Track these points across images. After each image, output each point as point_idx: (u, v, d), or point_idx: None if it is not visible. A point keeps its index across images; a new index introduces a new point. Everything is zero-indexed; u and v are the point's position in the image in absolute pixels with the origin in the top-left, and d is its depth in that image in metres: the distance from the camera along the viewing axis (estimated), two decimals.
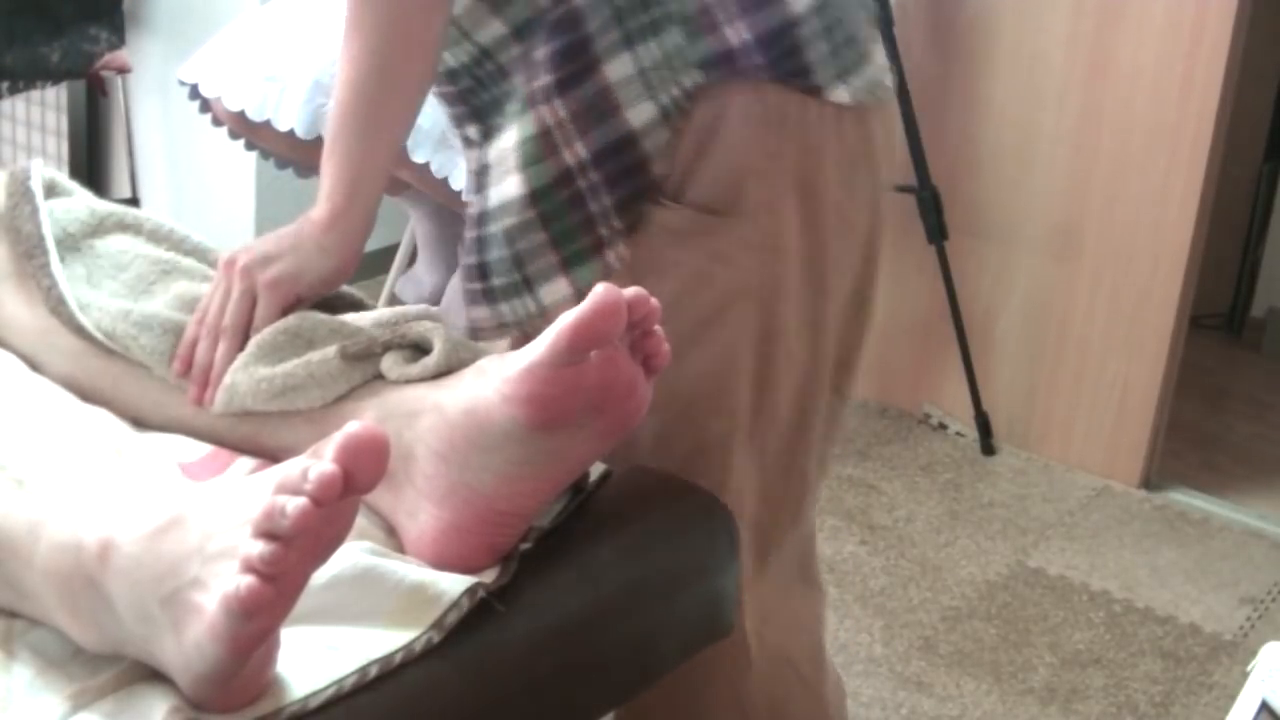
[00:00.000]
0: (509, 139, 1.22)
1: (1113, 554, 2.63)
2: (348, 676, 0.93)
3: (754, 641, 1.33)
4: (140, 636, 0.90)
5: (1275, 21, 3.20)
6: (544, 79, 1.19)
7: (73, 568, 0.91)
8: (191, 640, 0.86)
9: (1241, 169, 3.38)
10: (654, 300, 1.05)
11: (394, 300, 2.88)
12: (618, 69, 1.18)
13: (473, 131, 1.27)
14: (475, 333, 1.28)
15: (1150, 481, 2.88)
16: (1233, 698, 1.39)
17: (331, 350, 1.14)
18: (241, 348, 1.17)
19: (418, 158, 2.31)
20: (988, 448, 2.97)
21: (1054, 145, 2.84)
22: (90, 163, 3.29)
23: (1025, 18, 2.83)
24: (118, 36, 3.04)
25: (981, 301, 2.97)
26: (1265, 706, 1.23)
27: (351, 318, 1.21)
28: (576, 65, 1.18)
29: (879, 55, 1.29)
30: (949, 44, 2.93)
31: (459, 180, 2.35)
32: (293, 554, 0.84)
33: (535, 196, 1.21)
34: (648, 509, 1.18)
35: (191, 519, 0.89)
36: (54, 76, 3.01)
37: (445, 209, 2.68)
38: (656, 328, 1.06)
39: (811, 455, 1.36)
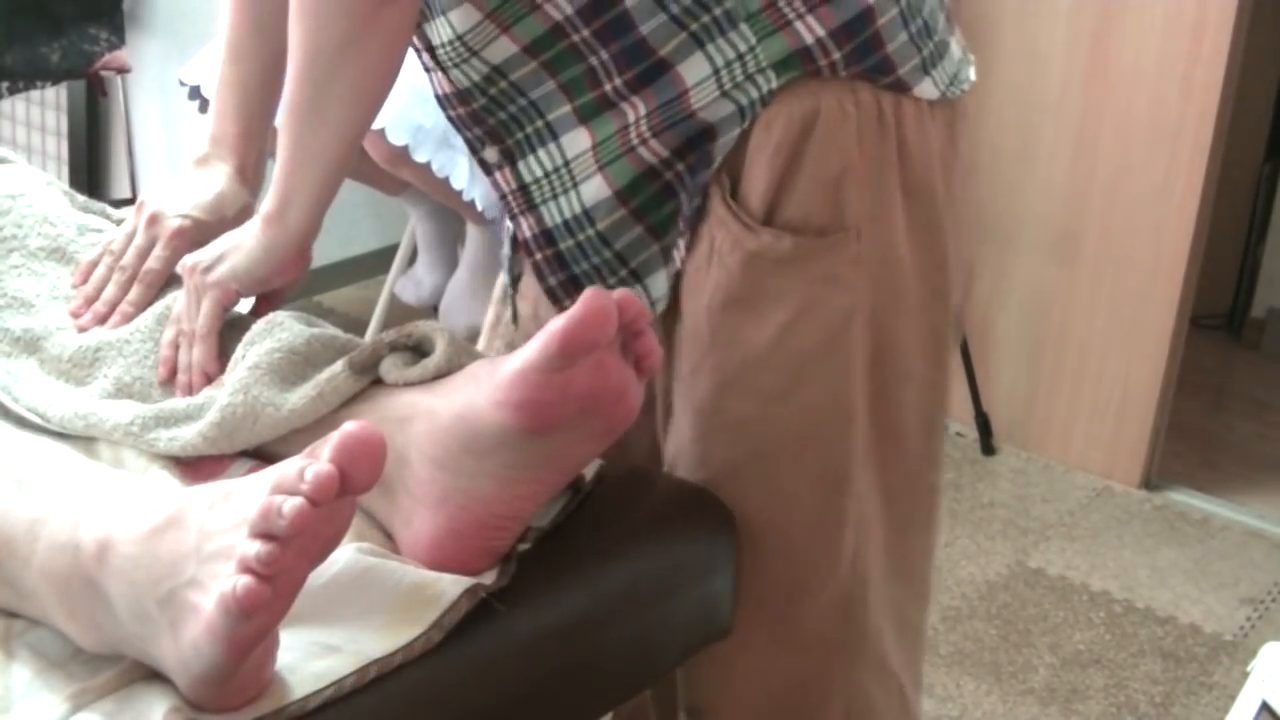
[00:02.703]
0: (575, 144, 1.17)
1: (1113, 554, 2.63)
2: (347, 676, 0.93)
3: (881, 658, 1.28)
4: (138, 636, 0.90)
5: (1275, 21, 3.20)
6: (615, 81, 1.13)
7: (70, 568, 0.91)
8: (189, 640, 0.86)
9: (1241, 169, 3.38)
10: (642, 302, 1.04)
11: (394, 300, 2.88)
12: (691, 70, 1.12)
13: (492, 155, 1.22)
14: None
15: (1150, 481, 2.88)
16: (1233, 698, 1.39)
17: (339, 366, 1.13)
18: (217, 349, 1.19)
19: (419, 157, 2.31)
20: (988, 448, 2.97)
21: (1054, 145, 2.83)
22: (90, 163, 3.29)
23: (1025, 18, 2.83)
24: (118, 36, 3.04)
25: (982, 302, 2.97)
26: (1265, 707, 1.23)
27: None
28: (646, 64, 1.13)
29: (957, 43, 1.21)
30: None
31: (459, 180, 2.35)
32: (289, 554, 0.84)
33: (624, 195, 1.17)
34: (648, 509, 1.18)
35: (188, 519, 0.89)
36: (54, 76, 3.01)
37: (445, 209, 2.69)
38: (647, 328, 1.05)
39: (939, 470, 1.29)
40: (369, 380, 1.13)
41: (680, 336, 1.20)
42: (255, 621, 0.85)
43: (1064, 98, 2.80)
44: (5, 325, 1.24)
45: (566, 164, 1.18)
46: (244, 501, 0.86)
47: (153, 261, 1.27)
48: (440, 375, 1.10)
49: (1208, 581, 2.57)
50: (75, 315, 1.26)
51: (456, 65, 1.18)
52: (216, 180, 1.31)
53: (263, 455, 1.14)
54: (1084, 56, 2.77)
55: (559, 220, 1.20)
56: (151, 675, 0.92)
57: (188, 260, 1.23)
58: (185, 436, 1.14)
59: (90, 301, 1.26)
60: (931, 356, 1.22)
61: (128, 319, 1.25)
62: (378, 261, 3.35)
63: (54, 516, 0.94)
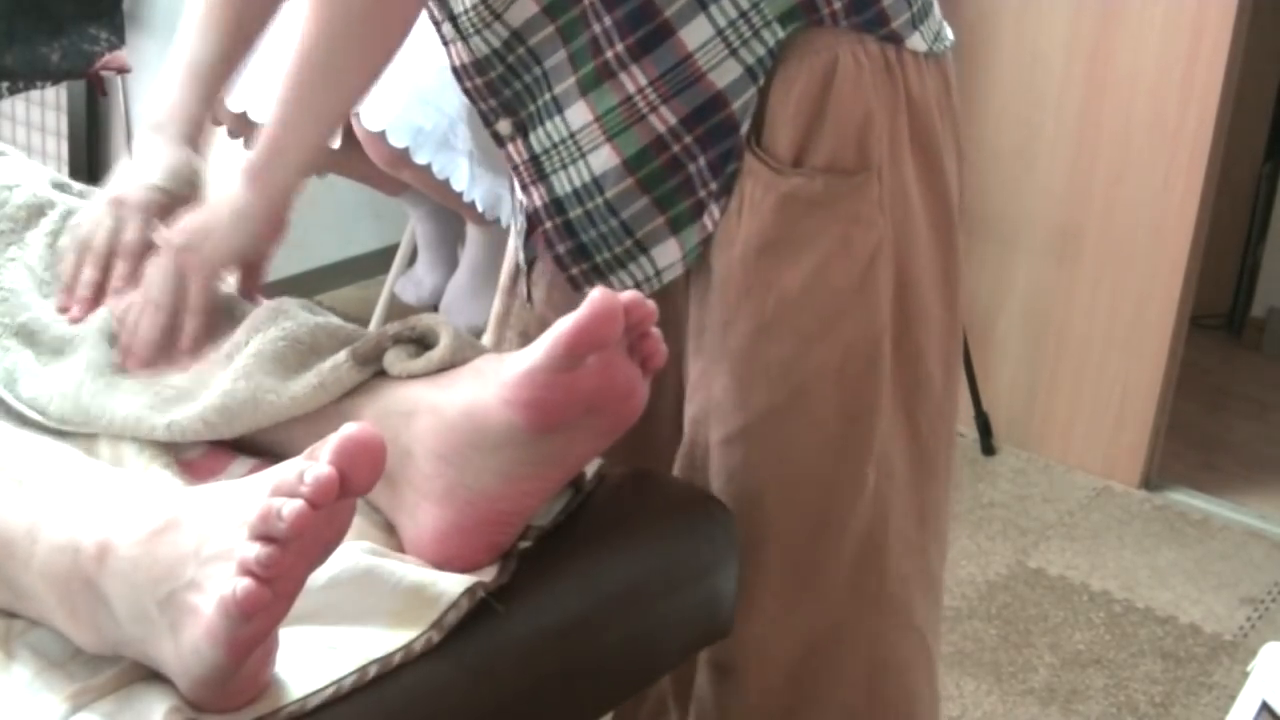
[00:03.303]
0: (578, 117, 1.19)
1: (1113, 554, 2.63)
2: (347, 677, 0.93)
3: (904, 607, 1.30)
4: (138, 638, 0.90)
5: (1275, 21, 3.20)
6: (617, 47, 1.16)
7: (70, 569, 0.91)
8: (189, 642, 0.86)
9: (1241, 169, 3.38)
10: (650, 303, 1.04)
11: (394, 300, 2.88)
12: (695, 34, 1.15)
13: (505, 126, 1.25)
14: None
15: (1150, 482, 2.88)
16: (1233, 698, 1.39)
17: (342, 355, 1.13)
18: (170, 325, 1.19)
19: (420, 159, 2.31)
20: (988, 448, 2.97)
21: (1054, 145, 2.83)
22: (90, 163, 3.29)
23: (1025, 18, 2.82)
24: (118, 36, 3.04)
25: (981, 302, 2.97)
26: (1265, 707, 1.23)
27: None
28: (648, 29, 1.15)
29: (936, 6, 1.26)
30: None
31: (460, 182, 2.35)
32: (289, 556, 0.84)
33: (630, 164, 1.19)
34: (648, 509, 1.18)
35: (188, 521, 0.89)
36: (54, 76, 3.01)
37: (445, 209, 2.69)
38: (654, 329, 1.06)
39: (955, 417, 1.33)
40: (372, 372, 1.13)
41: (704, 291, 1.23)
42: (255, 623, 0.85)
43: (1064, 98, 2.80)
44: (2, 320, 1.24)
45: (573, 135, 1.20)
46: (244, 504, 0.86)
47: (129, 233, 1.27)
48: (445, 368, 1.10)
49: (1208, 581, 2.56)
50: (62, 310, 1.25)
51: (478, 31, 1.20)
52: (171, 148, 1.32)
53: (263, 453, 1.14)
54: (1084, 56, 2.77)
55: (569, 189, 1.23)
56: (151, 675, 0.92)
57: (170, 239, 1.22)
58: (185, 421, 1.13)
59: (71, 292, 1.26)
60: (945, 299, 1.26)
61: (121, 297, 1.24)
62: (378, 261, 3.35)
63: (54, 518, 0.94)
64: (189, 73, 1.33)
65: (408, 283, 2.84)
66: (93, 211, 1.29)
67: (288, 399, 1.12)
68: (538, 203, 1.26)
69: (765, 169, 1.18)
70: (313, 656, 0.95)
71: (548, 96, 1.20)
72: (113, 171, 1.33)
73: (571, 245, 1.26)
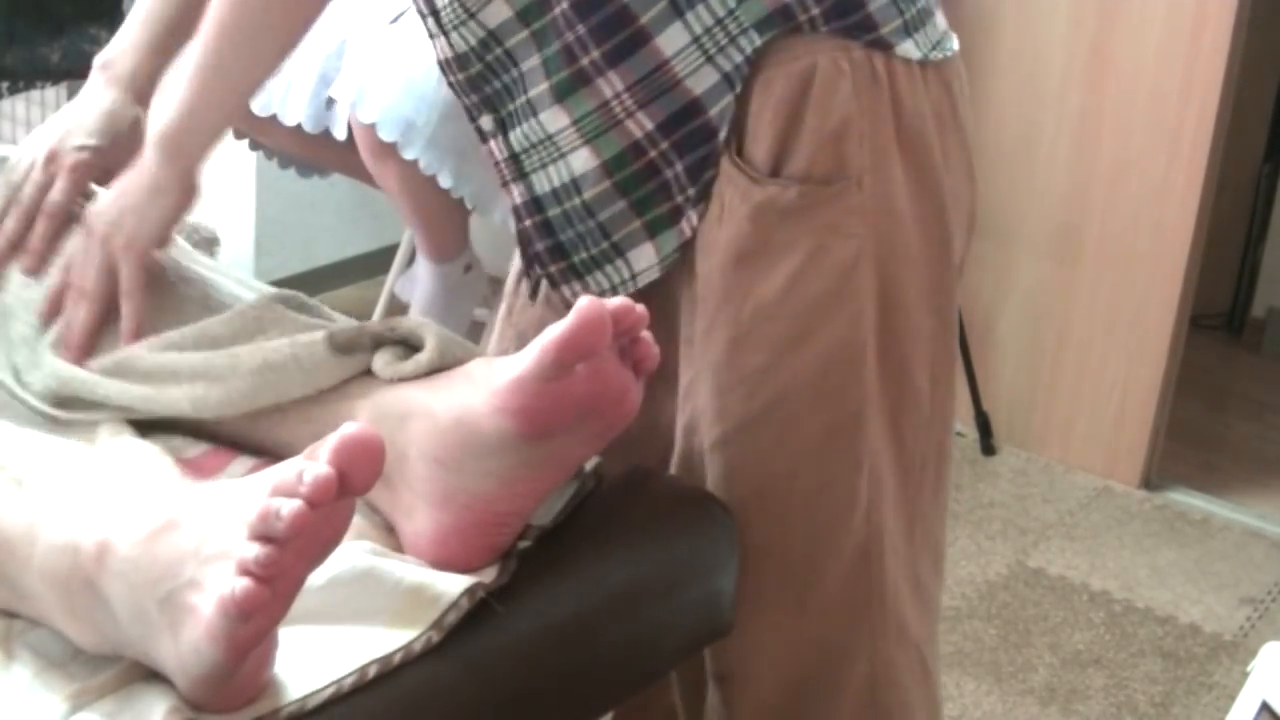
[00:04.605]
0: (553, 121, 1.19)
1: (1113, 554, 2.63)
2: (346, 677, 0.93)
3: (900, 621, 1.29)
4: (138, 637, 0.90)
5: (1275, 21, 3.20)
6: (592, 54, 1.16)
7: (70, 569, 0.91)
8: (188, 642, 0.86)
9: (1241, 169, 3.38)
10: (640, 308, 1.04)
11: (394, 300, 2.88)
12: (671, 41, 1.15)
13: (487, 122, 1.25)
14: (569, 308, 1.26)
15: (1150, 481, 2.88)
16: (1233, 698, 1.39)
17: (319, 335, 1.13)
18: (103, 314, 1.21)
19: (408, 154, 2.31)
20: (988, 448, 2.97)
21: (1054, 145, 2.84)
22: None
23: (1025, 18, 2.83)
24: None
25: (982, 301, 2.97)
26: (1265, 707, 1.23)
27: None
28: (623, 36, 1.15)
29: (941, 17, 1.24)
30: None
31: (447, 179, 2.35)
32: (288, 556, 0.84)
33: (609, 167, 1.19)
34: (648, 509, 1.18)
35: (187, 521, 0.89)
36: (54, 76, 3.01)
37: (445, 209, 2.68)
38: (645, 333, 1.05)
39: (949, 430, 1.31)
40: (357, 369, 1.13)
41: (693, 298, 1.22)
42: (254, 623, 0.85)
43: (1064, 98, 2.80)
44: None
45: (550, 138, 1.20)
46: (243, 503, 0.86)
47: (55, 194, 1.28)
48: (434, 370, 1.10)
49: (1208, 581, 2.56)
50: None
51: (456, 28, 1.20)
52: (108, 95, 1.33)
53: (263, 454, 1.14)
54: (1084, 56, 2.77)
55: (548, 188, 1.23)
56: (151, 675, 0.92)
57: (92, 224, 1.24)
58: (168, 399, 1.15)
59: None
60: (936, 310, 1.24)
61: (38, 255, 1.27)
62: (378, 261, 3.35)
63: (53, 518, 0.94)
64: (144, 20, 1.35)
65: (408, 283, 2.84)
66: (26, 159, 1.30)
67: (260, 360, 1.13)
68: (517, 200, 1.26)
69: (743, 178, 1.17)
70: (313, 656, 0.94)
71: (524, 98, 1.20)
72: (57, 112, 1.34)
73: (549, 244, 1.25)
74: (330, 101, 2.38)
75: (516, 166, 1.24)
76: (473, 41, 1.20)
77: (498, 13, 1.18)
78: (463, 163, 2.32)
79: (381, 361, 1.12)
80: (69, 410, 1.18)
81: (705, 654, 1.28)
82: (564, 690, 1.04)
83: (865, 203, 1.18)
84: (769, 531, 1.22)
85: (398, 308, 2.85)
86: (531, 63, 1.19)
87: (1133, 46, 2.70)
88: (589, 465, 1.15)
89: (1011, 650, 2.32)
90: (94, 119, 1.32)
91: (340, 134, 2.39)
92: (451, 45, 1.22)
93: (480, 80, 1.23)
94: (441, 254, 2.52)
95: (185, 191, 1.25)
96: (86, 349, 1.21)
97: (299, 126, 2.40)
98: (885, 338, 1.21)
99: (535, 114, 1.20)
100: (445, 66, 1.25)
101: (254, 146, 2.70)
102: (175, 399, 1.15)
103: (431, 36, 1.25)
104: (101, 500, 0.94)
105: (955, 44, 1.25)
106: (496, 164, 1.27)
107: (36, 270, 1.26)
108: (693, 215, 1.19)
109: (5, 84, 2.96)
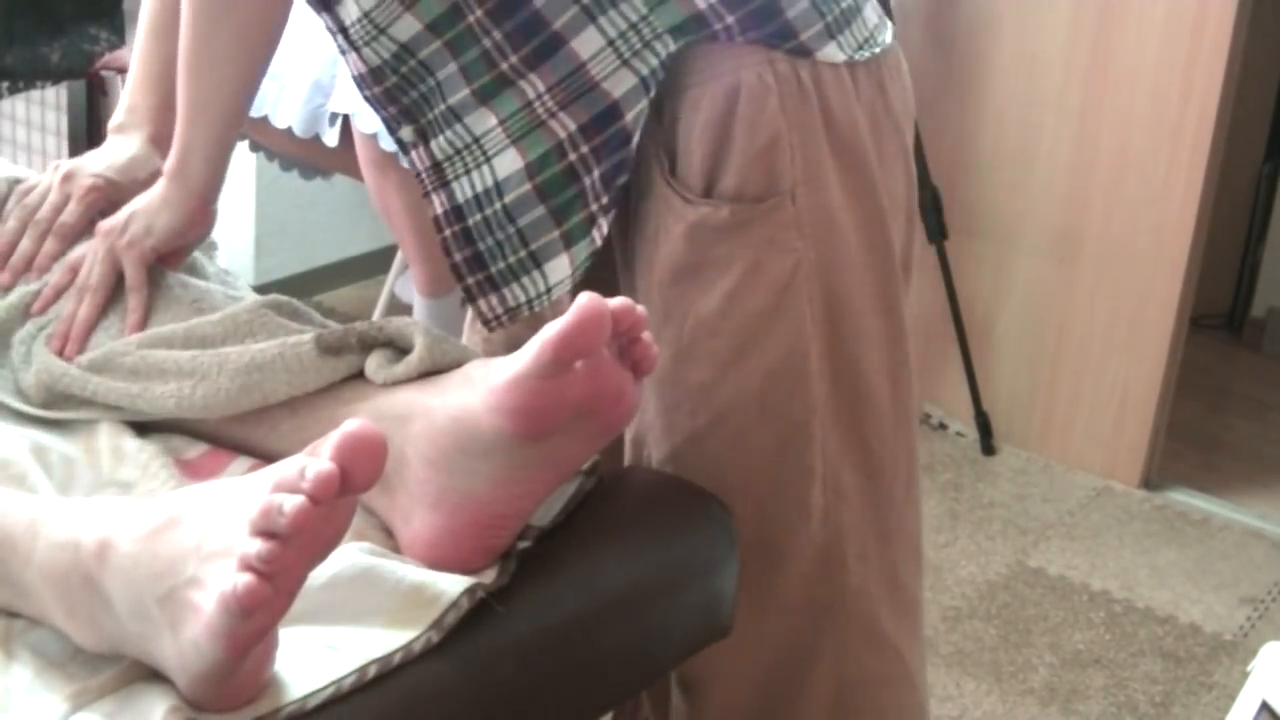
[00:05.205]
0: (480, 123, 1.19)
1: (1113, 554, 2.63)
2: (346, 676, 0.93)
3: (871, 622, 1.29)
4: (138, 635, 0.90)
5: (1275, 21, 3.20)
6: (511, 59, 1.16)
7: (70, 566, 0.91)
8: (189, 639, 0.86)
9: (1241, 169, 3.38)
10: (640, 308, 1.04)
11: (394, 300, 2.88)
12: (586, 44, 1.15)
13: (408, 134, 1.25)
14: (487, 325, 1.25)
15: (1150, 481, 2.88)
16: (1233, 698, 1.39)
17: (306, 336, 1.13)
18: (103, 307, 1.24)
19: (407, 163, 2.31)
20: (988, 448, 2.97)
21: (1054, 145, 2.84)
22: None
23: (1025, 18, 2.83)
24: (118, 36, 3.04)
25: (981, 301, 2.97)
26: (1265, 707, 1.23)
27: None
28: (540, 40, 1.15)
29: (872, 9, 1.23)
30: (949, 44, 2.93)
31: None
32: (290, 552, 0.84)
33: (533, 168, 1.19)
34: (648, 509, 1.18)
35: (189, 518, 0.89)
36: (54, 76, 3.01)
37: None
38: (644, 334, 1.05)
39: (914, 428, 1.31)
40: (346, 372, 1.13)
41: None
42: (255, 620, 0.84)
43: (1064, 98, 2.80)
44: None
45: (476, 140, 1.20)
46: (244, 500, 0.86)
47: (67, 216, 1.33)
48: (427, 372, 1.10)
49: (1208, 581, 2.57)
50: None
51: (367, 44, 1.20)
52: (130, 145, 1.39)
53: (262, 455, 1.14)
54: (1084, 56, 2.77)
55: (469, 195, 1.23)
56: (151, 675, 0.92)
57: (103, 225, 1.29)
58: (154, 396, 1.16)
59: (5, 257, 1.31)
60: (884, 311, 1.24)
61: (44, 272, 1.30)
62: (378, 261, 3.35)
63: (54, 515, 0.94)
64: (143, 73, 1.40)
65: (407, 283, 2.84)
66: (44, 183, 1.35)
67: (248, 359, 1.14)
68: (438, 210, 1.25)
69: (676, 198, 1.18)
70: (312, 656, 0.94)
71: (443, 106, 1.20)
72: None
73: (469, 253, 1.24)
74: (322, 108, 2.39)
75: (438, 175, 1.24)
76: (385, 55, 1.20)
77: (408, 27, 1.18)
78: None
79: (374, 365, 1.12)
80: (59, 410, 1.19)
81: None
82: (564, 690, 1.04)
83: (801, 216, 1.18)
84: None
85: (398, 308, 2.85)
86: (448, 71, 1.18)
87: (1133, 47, 2.70)
88: (587, 465, 1.15)
89: (1011, 650, 2.32)
90: (118, 157, 1.38)
91: (331, 141, 2.40)
92: (364, 60, 1.22)
93: (397, 92, 1.22)
94: (437, 287, 2.51)
95: (197, 211, 1.30)
96: (83, 340, 1.22)
97: (289, 129, 2.41)
98: (835, 345, 1.21)
99: (459, 119, 1.20)
100: (360, 81, 1.25)
101: (254, 148, 2.70)
102: (161, 396, 1.15)
103: (342, 52, 1.25)
104: (103, 497, 0.94)
105: (888, 35, 1.25)
106: (418, 175, 1.27)
107: (34, 280, 1.30)
108: (604, 224, 1.20)
109: (5, 84, 2.96)
